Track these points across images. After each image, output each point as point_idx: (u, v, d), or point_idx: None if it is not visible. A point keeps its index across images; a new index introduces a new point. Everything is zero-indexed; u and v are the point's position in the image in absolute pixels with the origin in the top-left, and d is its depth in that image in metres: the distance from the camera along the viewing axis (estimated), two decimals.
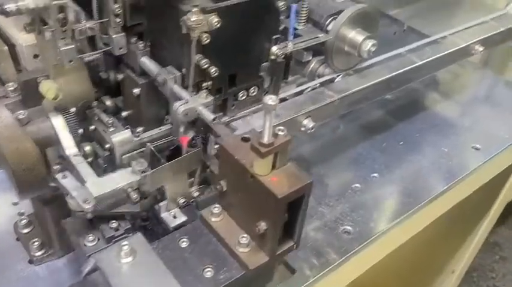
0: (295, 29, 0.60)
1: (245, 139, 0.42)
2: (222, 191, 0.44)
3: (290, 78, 0.62)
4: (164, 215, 0.47)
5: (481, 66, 1.14)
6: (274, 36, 0.48)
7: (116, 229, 0.47)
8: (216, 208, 0.44)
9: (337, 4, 0.60)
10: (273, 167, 0.39)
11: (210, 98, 0.44)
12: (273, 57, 0.49)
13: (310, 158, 0.69)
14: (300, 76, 0.62)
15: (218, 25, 0.41)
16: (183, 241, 0.44)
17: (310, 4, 0.59)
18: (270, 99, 0.36)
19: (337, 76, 0.62)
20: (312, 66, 0.62)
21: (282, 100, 0.57)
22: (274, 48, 0.49)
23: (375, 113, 0.80)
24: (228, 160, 0.41)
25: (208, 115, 0.42)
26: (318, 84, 0.60)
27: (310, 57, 0.61)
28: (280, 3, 0.46)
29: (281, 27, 0.52)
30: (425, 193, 0.64)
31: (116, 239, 0.46)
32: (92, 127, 0.50)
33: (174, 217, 0.47)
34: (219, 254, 0.43)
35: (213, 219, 0.45)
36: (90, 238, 0.46)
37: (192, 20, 0.39)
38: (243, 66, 0.48)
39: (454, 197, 0.68)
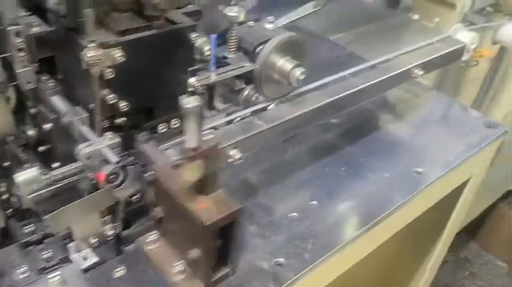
0: (225, 57, 0.59)
1: (176, 167, 0.42)
2: (158, 219, 0.44)
3: (223, 107, 0.61)
4: (74, 256, 0.45)
5: (435, 87, 1.16)
6: (190, 68, 0.47)
7: (48, 260, 0.46)
8: (153, 235, 0.44)
9: (268, 32, 0.59)
10: (203, 193, 0.40)
11: (117, 139, 0.42)
12: (191, 88, 0.48)
13: (248, 185, 0.68)
14: (231, 105, 0.61)
15: (122, 59, 0.40)
16: (120, 270, 0.44)
17: (240, 32, 0.59)
18: (187, 103, 0.35)
19: (270, 104, 0.61)
20: (245, 94, 0.61)
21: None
22: (192, 80, 0.48)
23: (324, 136, 0.79)
24: (161, 188, 0.42)
25: (113, 157, 0.41)
26: (249, 113, 0.59)
27: (244, 85, 0.60)
28: (193, 35, 0.45)
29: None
30: (363, 221, 0.63)
31: (48, 270, 0.45)
32: (7, 163, 0.48)
33: (85, 259, 0.45)
34: (156, 283, 0.43)
35: (149, 247, 0.45)
36: (22, 269, 0.45)
37: (88, 55, 0.37)
38: (159, 99, 0.46)
39: (394, 224, 0.67)
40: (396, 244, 0.82)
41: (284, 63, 0.57)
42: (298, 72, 0.56)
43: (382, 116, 0.86)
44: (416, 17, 0.90)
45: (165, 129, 0.50)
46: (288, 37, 0.57)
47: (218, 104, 0.62)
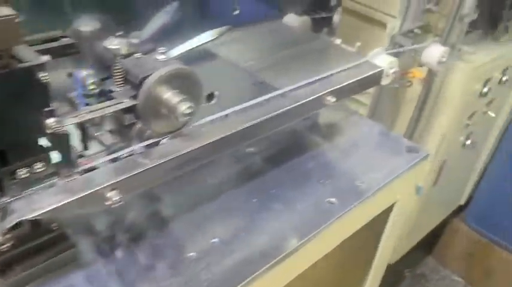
0: (110, 91, 0.56)
1: None
2: None
3: (110, 142, 0.58)
4: None
5: (369, 115, 1.15)
6: (46, 109, 0.44)
7: None
8: None
9: (157, 64, 0.56)
10: None
11: None
12: (50, 130, 0.44)
13: (151, 222, 0.64)
14: (120, 140, 0.58)
15: None
16: None
17: (127, 64, 0.56)
18: None
19: (163, 139, 0.58)
20: (137, 128, 0.58)
21: (89, 170, 0.52)
22: (50, 121, 0.44)
23: (240, 165, 0.76)
24: None
25: None
26: (137, 149, 0.55)
27: (134, 120, 0.57)
28: (42, 74, 0.41)
29: None
30: (264, 259, 0.60)
31: None
32: None
33: None
34: None
35: None
36: None
37: None
38: (7, 143, 0.43)
39: (303, 260, 0.65)
40: (320, 273, 0.80)
41: (169, 97, 0.54)
42: (184, 107, 0.54)
43: (303, 141, 0.84)
44: (338, 41, 0.88)
45: (27, 175, 0.46)
46: (173, 70, 0.54)
47: (107, 139, 0.58)
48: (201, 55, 0.70)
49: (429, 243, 1.99)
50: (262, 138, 0.67)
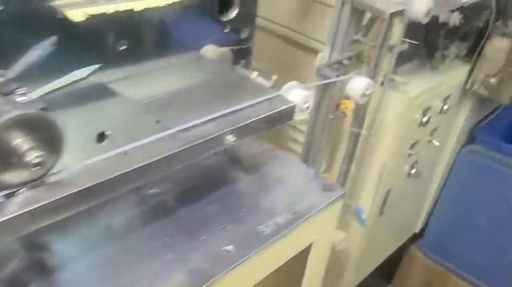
0: None
1: None
2: None
3: None
4: None
5: (306, 143, 1.11)
6: None
7: None
8: None
9: (13, 106, 0.51)
10: None
11: None
12: None
13: (27, 276, 0.58)
14: None
15: None
16: None
17: None
18: None
19: (20, 189, 0.52)
20: None
21: None
22: None
23: (140, 208, 0.71)
24: None
25: None
26: None
27: None
28: None
29: None
30: None
31: None
32: None
33: None
34: None
35: None
36: None
37: None
38: None
39: None
40: None
41: (17, 144, 0.48)
42: (33, 155, 0.48)
43: (213, 179, 0.79)
44: (254, 74, 0.84)
45: None
46: (22, 114, 0.49)
47: None
48: (98, 93, 0.65)
49: (388, 271, 1.95)
50: (170, 176, 0.62)
